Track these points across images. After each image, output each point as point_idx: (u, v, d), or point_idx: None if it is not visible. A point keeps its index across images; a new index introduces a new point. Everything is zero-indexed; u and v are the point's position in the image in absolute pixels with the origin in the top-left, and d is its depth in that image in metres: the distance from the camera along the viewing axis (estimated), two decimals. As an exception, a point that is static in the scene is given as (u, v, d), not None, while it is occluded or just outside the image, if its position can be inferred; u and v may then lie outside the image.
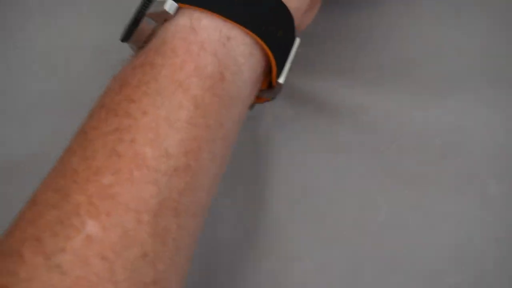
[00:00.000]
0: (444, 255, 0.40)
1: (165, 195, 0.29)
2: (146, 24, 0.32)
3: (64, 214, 0.27)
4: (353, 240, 0.40)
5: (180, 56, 0.30)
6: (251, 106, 0.36)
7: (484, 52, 0.43)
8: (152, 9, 0.32)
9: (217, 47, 0.31)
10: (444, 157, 0.41)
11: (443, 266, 0.39)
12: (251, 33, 0.31)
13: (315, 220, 0.41)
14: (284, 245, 0.40)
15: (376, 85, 0.43)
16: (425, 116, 0.42)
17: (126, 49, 0.46)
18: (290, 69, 0.35)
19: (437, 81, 0.43)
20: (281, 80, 0.34)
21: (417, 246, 0.40)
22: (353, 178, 0.41)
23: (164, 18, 0.32)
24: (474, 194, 0.41)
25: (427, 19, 0.44)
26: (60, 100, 0.45)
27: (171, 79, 0.30)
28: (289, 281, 0.39)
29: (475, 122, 0.42)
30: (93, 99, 0.45)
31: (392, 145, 0.42)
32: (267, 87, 0.35)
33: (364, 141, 0.42)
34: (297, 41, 0.35)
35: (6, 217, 0.42)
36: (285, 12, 0.33)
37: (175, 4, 0.31)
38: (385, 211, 0.41)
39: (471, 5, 0.44)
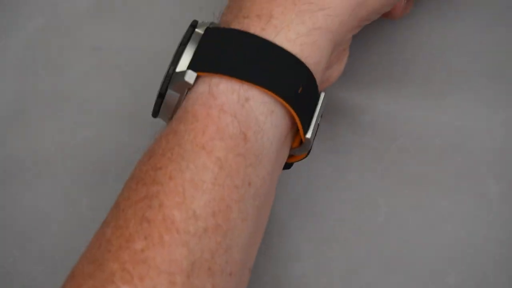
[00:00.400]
0: (444, 255, 0.40)
1: (197, 255, 0.30)
2: (171, 97, 0.33)
3: (100, 283, 0.29)
4: (353, 240, 0.40)
5: (201, 121, 0.31)
6: (288, 166, 0.37)
7: (484, 52, 0.43)
8: (174, 81, 0.33)
9: (236, 109, 0.32)
10: (444, 157, 0.41)
11: (443, 266, 0.39)
12: (268, 91, 0.32)
13: (316, 221, 0.41)
14: (284, 245, 0.40)
15: (375, 86, 0.43)
16: (425, 116, 0.42)
17: (126, 49, 0.46)
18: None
19: (437, 81, 0.43)
20: (308, 135, 0.34)
21: (417, 246, 0.40)
22: (353, 178, 0.41)
23: (187, 88, 0.33)
24: (474, 194, 0.41)
25: (427, 19, 0.44)
26: (60, 100, 0.45)
27: (193, 143, 0.31)
28: (288, 281, 0.39)
29: (475, 122, 0.42)
30: (93, 99, 0.45)
31: (392, 145, 0.42)
32: (299, 144, 0.35)
33: (364, 142, 0.42)
34: (322, 95, 0.35)
35: (6, 216, 0.42)
36: (303, 68, 0.33)
37: (194, 74, 0.32)
38: (385, 211, 0.41)
39: (471, 5, 0.44)
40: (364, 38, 0.44)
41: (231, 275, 0.31)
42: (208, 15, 0.44)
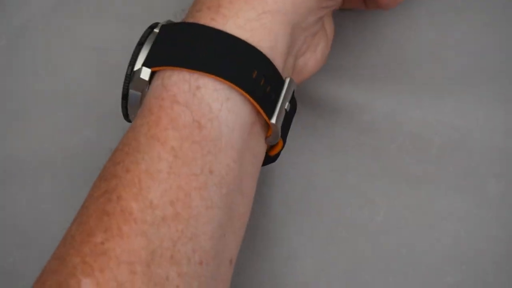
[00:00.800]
0: (444, 254, 0.40)
1: (156, 244, 0.30)
2: (134, 97, 0.34)
3: (63, 277, 0.29)
4: (352, 240, 0.40)
5: (155, 113, 0.32)
6: (272, 159, 0.37)
7: (484, 51, 0.43)
8: (132, 81, 0.34)
9: (188, 98, 0.32)
10: (444, 156, 0.41)
11: (443, 266, 0.39)
12: (218, 78, 0.32)
13: (314, 220, 0.41)
14: (283, 245, 0.40)
15: (375, 85, 0.43)
16: (425, 116, 0.42)
17: (126, 49, 0.46)
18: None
19: (437, 80, 0.43)
20: (273, 120, 0.34)
21: (417, 246, 0.40)
22: (352, 178, 0.41)
23: (145, 85, 0.34)
24: (473, 193, 0.41)
25: (426, 19, 0.44)
26: (60, 100, 0.45)
27: (147, 135, 0.32)
28: (288, 281, 0.39)
29: (474, 122, 0.42)
30: (93, 99, 0.45)
31: (391, 145, 0.42)
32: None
33: (364, 141, 0.42)
34: (288, 80, 0.35)
35: (6, 216, 0.42)
36: (255, 52, 0.33)
37: (149, 70, 0.33)
38: (384, 211, 0.41)
39: (470, 4, 0.44)
40: (364, 37, 0.44)
41: (202, 264, 0.31)
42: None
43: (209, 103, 0.32)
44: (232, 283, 0.38)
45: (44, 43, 0.46)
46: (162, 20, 0.46)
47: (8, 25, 0.47)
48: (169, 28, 0.34)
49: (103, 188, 0.31)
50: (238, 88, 0.33)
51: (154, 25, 0.35)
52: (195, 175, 0.31)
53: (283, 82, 0.35)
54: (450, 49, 0.44)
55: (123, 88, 0.34)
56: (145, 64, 0.34)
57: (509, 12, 0.44)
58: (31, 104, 0.45)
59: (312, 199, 0.41)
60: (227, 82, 0.32)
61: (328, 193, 0.41)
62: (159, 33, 0.34)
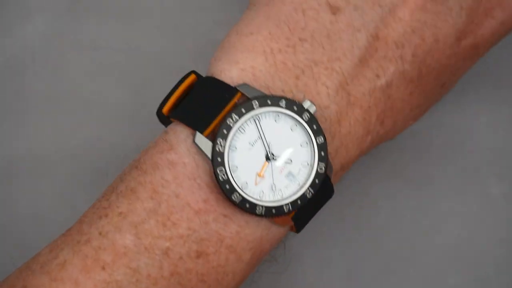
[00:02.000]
0: (446, 255, 0.40)
1: None
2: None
3: None
4: (353, 241, 0.40)
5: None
6: None
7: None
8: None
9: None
10: (445, 157, 0.41)
11: (444, 266, 0.39)
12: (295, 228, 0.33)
13: (315, 221, 0.40)
14: (283, 246, 0.40)
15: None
16: (425, 116, 0.42)
17: (126, 49, 0.46)
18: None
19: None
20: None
21: (418, 246, 0.40)
22: (353, 178, 0.41)
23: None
24: (474, 194, 0.41)
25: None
26: (60, 100, 0.45)
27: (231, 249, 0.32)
28: (289, 282, 0.39)
29: (475, 122, 0.42)
30: (93, 99, 0.45)
31: (392, 145, 0.42)
32: None
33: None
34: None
35: (5, 217, 0.42)
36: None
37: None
38: (385, 212, 0.40)
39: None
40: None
41: None
42: (208, 16, 0.44)
43: None
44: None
45: (44, 43, 0.46)
46: (162, 19, 0.46)
47: (7, 25, 0.47)
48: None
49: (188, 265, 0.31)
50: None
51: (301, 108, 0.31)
52: None
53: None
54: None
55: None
56: None
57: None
58: (31, 104, 0.44)
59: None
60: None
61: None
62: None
